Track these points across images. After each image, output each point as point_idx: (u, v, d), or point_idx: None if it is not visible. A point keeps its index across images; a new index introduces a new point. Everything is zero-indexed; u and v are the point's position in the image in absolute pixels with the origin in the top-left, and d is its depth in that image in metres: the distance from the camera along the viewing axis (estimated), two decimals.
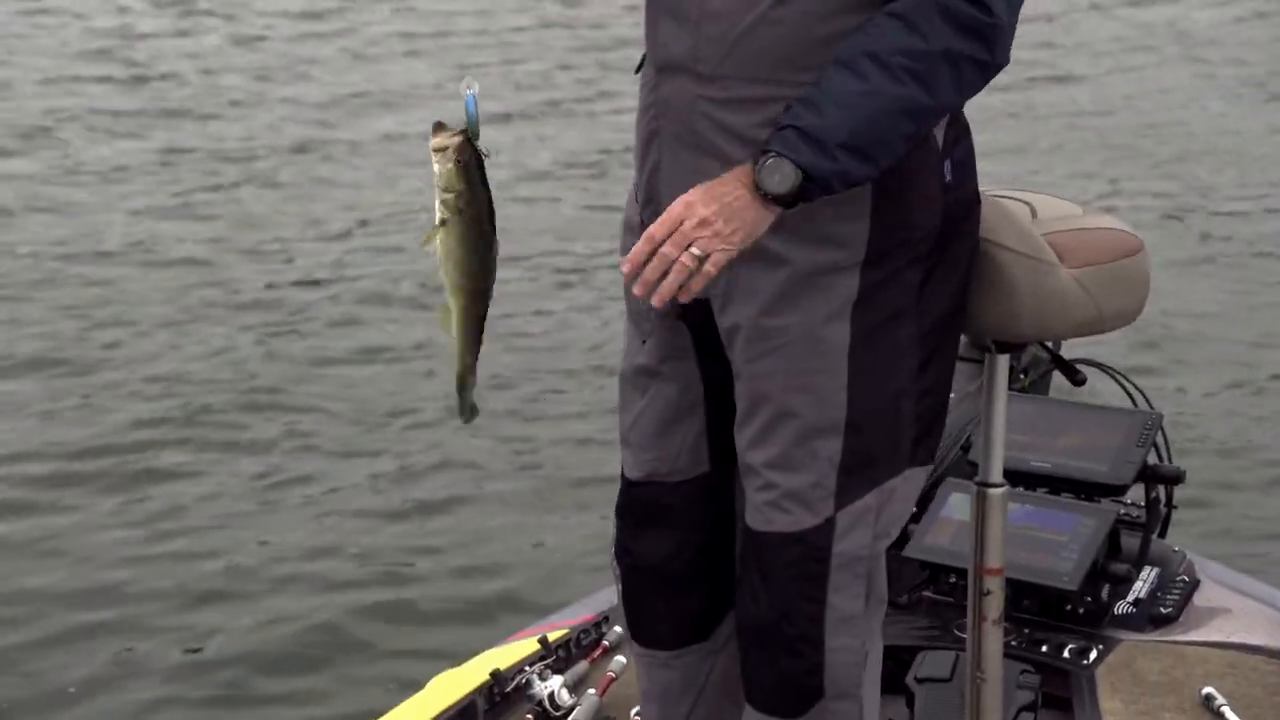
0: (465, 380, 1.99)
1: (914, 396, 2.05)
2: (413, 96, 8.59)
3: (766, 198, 1.83)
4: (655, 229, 1.83)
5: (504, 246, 1.96)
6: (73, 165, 7.32)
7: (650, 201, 2.06)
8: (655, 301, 1.85)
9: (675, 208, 1.84)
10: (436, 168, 1.85)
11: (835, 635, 2.08)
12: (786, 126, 1.83)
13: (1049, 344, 2.90)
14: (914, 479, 2.13)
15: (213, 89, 8.57)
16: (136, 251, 6.28)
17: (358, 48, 9.54)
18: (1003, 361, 2.34)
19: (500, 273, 1.93)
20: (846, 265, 1.97)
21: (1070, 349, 2.95)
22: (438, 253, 1.90)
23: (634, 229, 2.10)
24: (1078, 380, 2.46)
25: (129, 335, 5.50)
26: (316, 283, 6.02)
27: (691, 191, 1.84)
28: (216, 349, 5.38)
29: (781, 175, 1.81)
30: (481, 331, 1.96)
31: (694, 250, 1.82)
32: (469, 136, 1.85)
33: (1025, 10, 1.92)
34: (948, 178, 2.00)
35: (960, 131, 2.04)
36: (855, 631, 2.10)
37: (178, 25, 9.83)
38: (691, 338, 2.16)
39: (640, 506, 2.26)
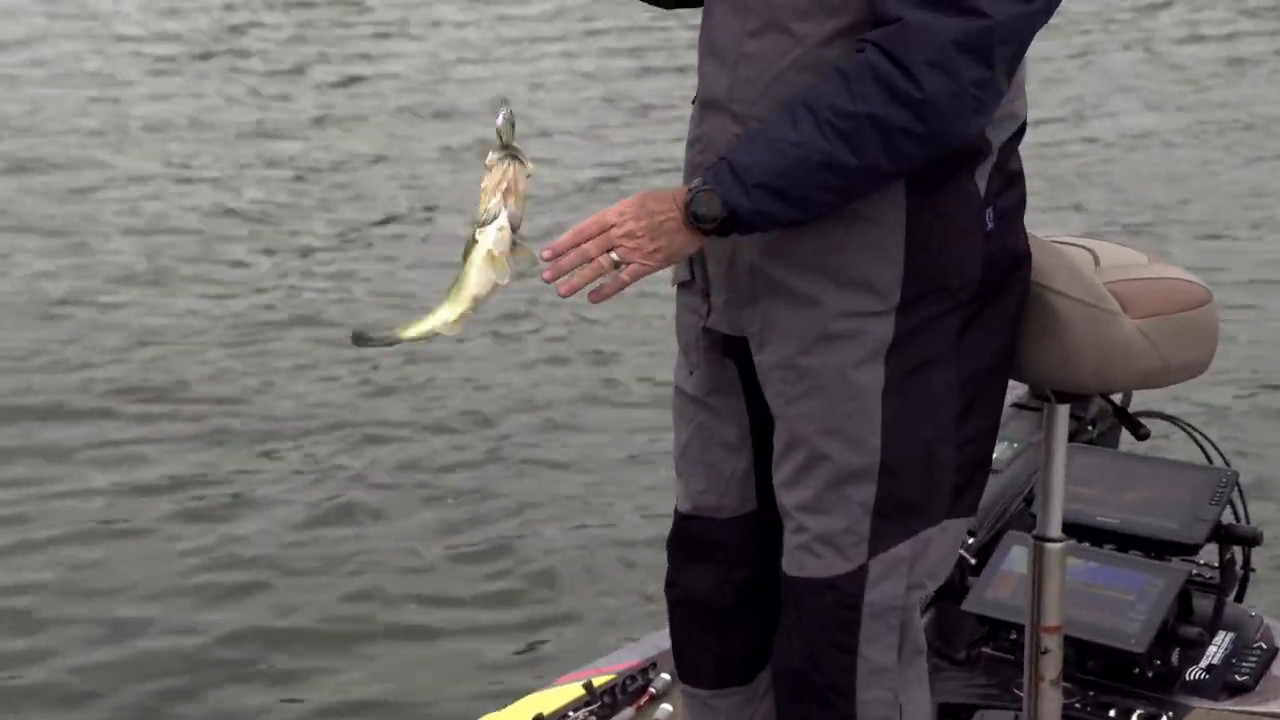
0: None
1: (953, 445, 2.02)
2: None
3: (694, 224, 1.85)
4: (585, 225, 1.87)
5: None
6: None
7: None
8: (561, 290, 1.87)
9: (609, 212, 1.88)
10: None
11: (867, 687, 2.04)
12: (723, 159, 1.88)
13: (1113, 396, 2.81)
14: (953, 530, 2.08)
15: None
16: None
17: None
18: (1062, 412, 2.28)
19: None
20: (880, 310, 1.96)
21: (1140, 400, 2.86)
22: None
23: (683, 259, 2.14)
24: (1141, 434, 2.39)
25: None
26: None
27: (630, 200, 1.88)
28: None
29: (708, 206, 1.85)
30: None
31: (613, 255, 1.86)
32: (511, 149, 1.86)
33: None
34: (990, 225, 1.98)
35: (1007, 179, 2.01)
36: (888, 683, 2.06)
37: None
38: (739, 374, 2.15)
39: (689, 539, 2.27)
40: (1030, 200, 2.09)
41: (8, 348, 5.54)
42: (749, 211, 1.86)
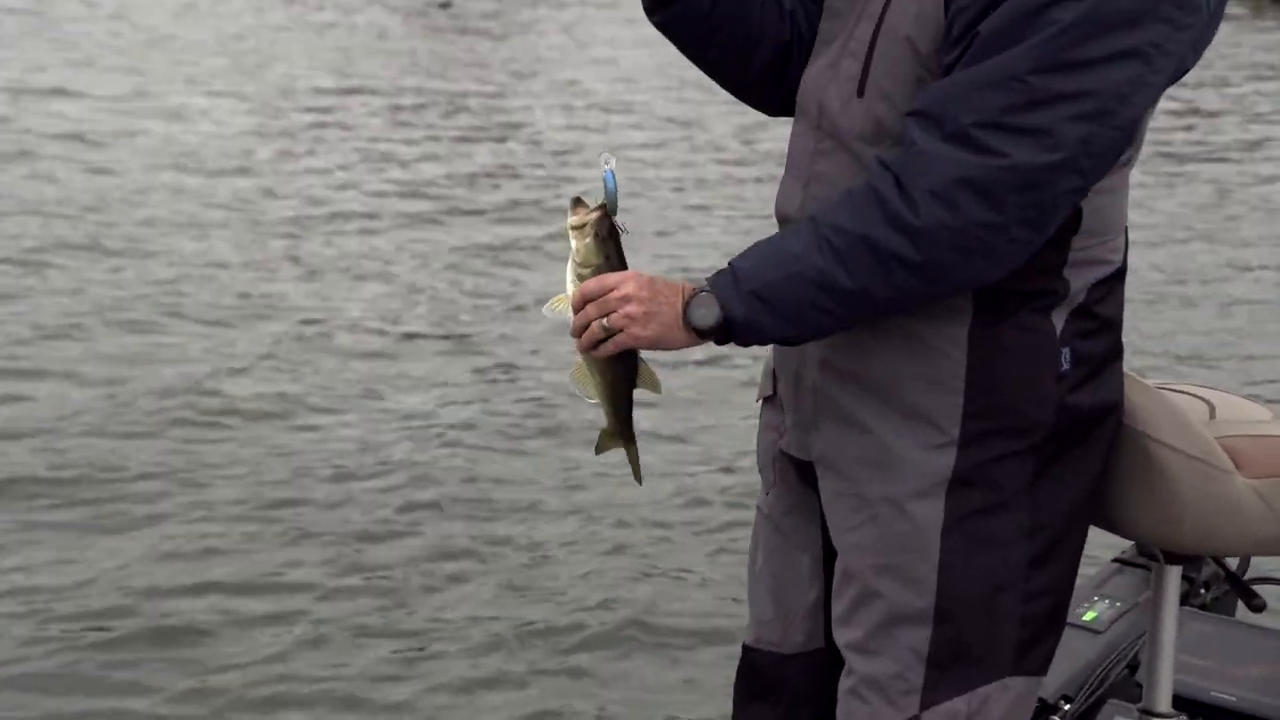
0: (614, 442, 1.99)
1: (1020, 594, 1.90)
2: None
3: (688, 325, 1.81)
4: (592, 284, 1.85)
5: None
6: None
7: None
8: (577, 347, 1.88)
9: (616, 276, 1.85)
10: (574, 243, 1.87)
11: None
12: (730, 263, 1.85)
13: (1228, 559, 2.62)
14: (1017, 690, 1.93)
15: None
16: None
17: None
18: (1172, 574, 2.14)
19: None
20: (939, 442, 1.88)
21: (1258, 566, 2.66)
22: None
23: (769, 373, 2.11)
24: (1255, 605, 2.22)
25: None
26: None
27: (642, 275, 1.85)
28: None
29: (706, 310, 1.82)
30: (628, 400, 1.95)
31: (604, 321, 1.83)
32: (607, 211, 1.86)
33: None
34: (1065, 367, 1.88)
35: (1093, 324, 1.91)
36: None
37: None
38: (817, 499, 2.05)
39: (752, 674, 2.17)
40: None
41: None
42: (742, 320, 1.81)
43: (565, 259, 1.90)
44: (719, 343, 1.84)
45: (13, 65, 11.13)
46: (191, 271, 6.94)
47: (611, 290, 1.83)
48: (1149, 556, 2.14)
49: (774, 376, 2.08)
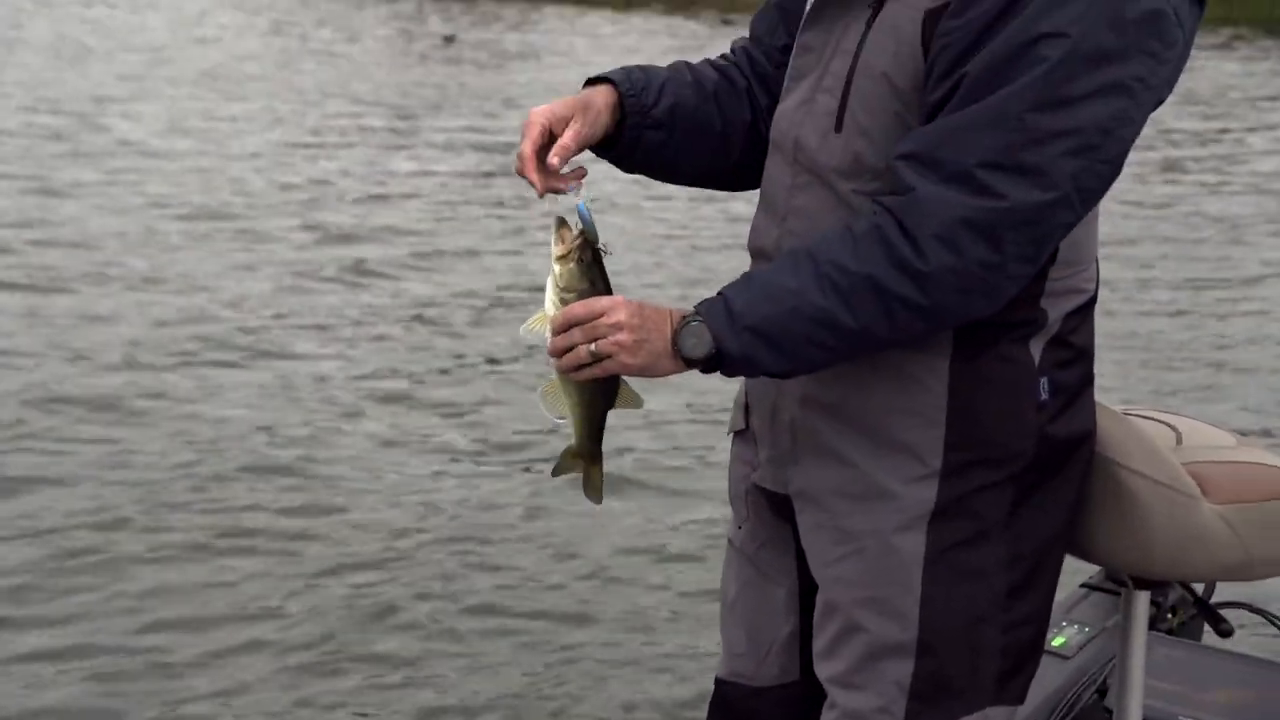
0: (577, 464, 1.95)
1: (1000, 625, 1.90)
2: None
3: (678, 354, 1.79)
4: (578, 308, 1.82)
5: None
6: None
7: (747, 382, 2.05)
8: (555, 369, 1.85)
9: (603, 300, 1.83)
10: (557, 267, 1.86)
11: None
12: (721, 294, 1.82)
13: (1196, 584, 2.62)
14: (997, 719, 1.93)
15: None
16: None
17: None
18: (1141, 599, 2.14)
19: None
20: (921, 474, 1.87)
21: (1224, 590, 2.66)
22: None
23: (740, 406, 2.09)
24: (1223, 630, 2.22)
25: None
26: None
27: (630, 302, 1.82)
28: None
29: (698, 340, 1.80)
30: (603, 420, 1.92)
31: (591, 347, 1.80)
32: (588, 237, 1.85)
33: None
34: (1044, 397, 1.89)
35: (1069, 353, 1.92)
36: None
37: None
38: (792, 532, 2.04)
39: (725, 707, 2.16)
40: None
41: None
42: (736, 354, 1.79)
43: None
44: (705, 372, 1.82)
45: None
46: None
47: (600, 316, 1.80)
48: (1118, 582, 2.14)
49: (746, 410, 2.07)
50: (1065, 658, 2.67)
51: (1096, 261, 1.95)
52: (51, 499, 4.87)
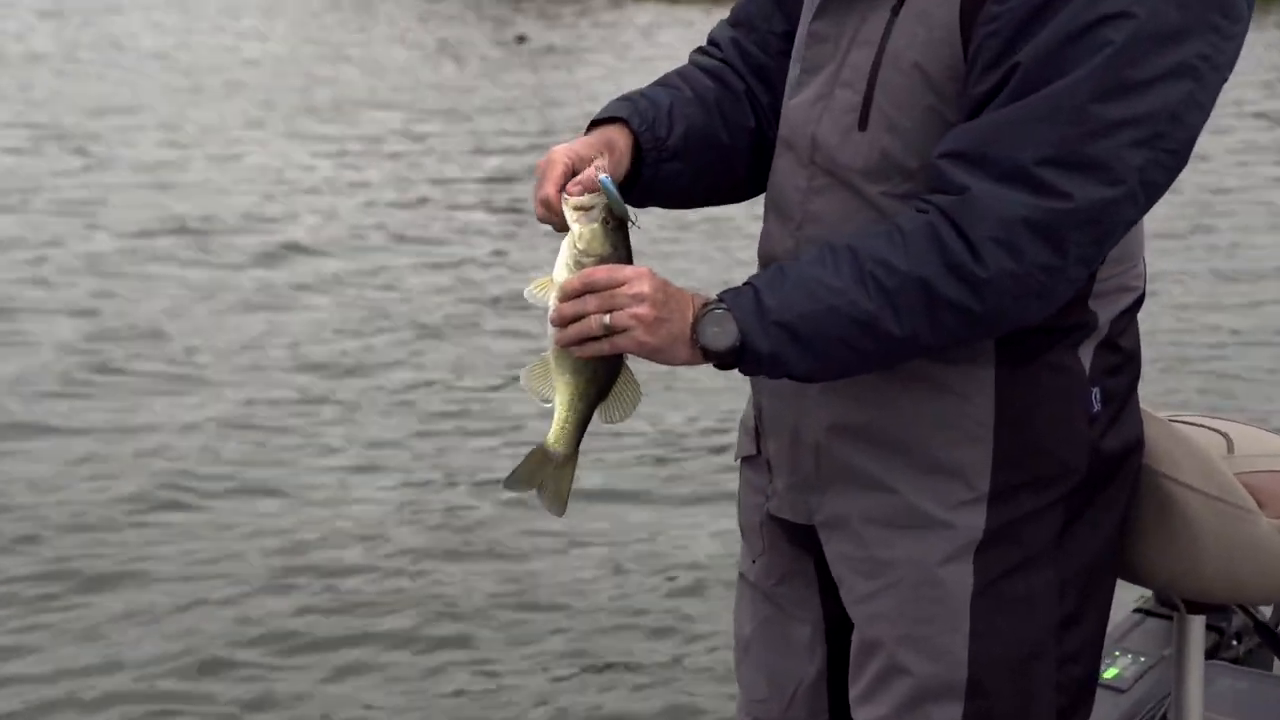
0: (546, 466, 1.74)
1: (1055, 659, 1.79)
2: None
3: (698, 344, 1.66)
4: (596, 273, 1.66)
5: None
6: None
7: (758, 390, 1.92)
8: (557, 341, 1.68)
9: (630, 270, 1.66)
10: (577, 226, 1.68)
11: None
12: (750, 284, 1.69)
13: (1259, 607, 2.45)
14: None
15: None
16: None
17: None
18: (1195, 624, 2.02)
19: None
20: (968, 498, 1.75)
21: None
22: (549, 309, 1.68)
23: (749, 430, 1.96)
24: None
25: None
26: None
27: (655, 276, 1.67)
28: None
29: (722, 329, 1.66)
30: (592, 410, 1.73)
31: (606, 319, 1.65)
32: (613, 208, 1.69)
33: None
34: (1096, 408, 1.77)
35: (1119, 358, 1.80)
36: None
37: None
38: (814, 564, 1.92)
39: None
40: (1150, 373, 1.83)
41: None
42: (761, 351, 1.66)
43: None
44: (720, 366, 1.68)
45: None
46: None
47: (622, 285, 1.65)
48: (1169, 606, 2.01)
49: (756, 433, 1.92)
50: (1120, 690, 2.51)
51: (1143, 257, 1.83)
52: None
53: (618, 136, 1.81)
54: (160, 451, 5.45)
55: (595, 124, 1.84)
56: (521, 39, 17.07)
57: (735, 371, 1.69)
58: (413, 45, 16.37)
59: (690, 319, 1.66)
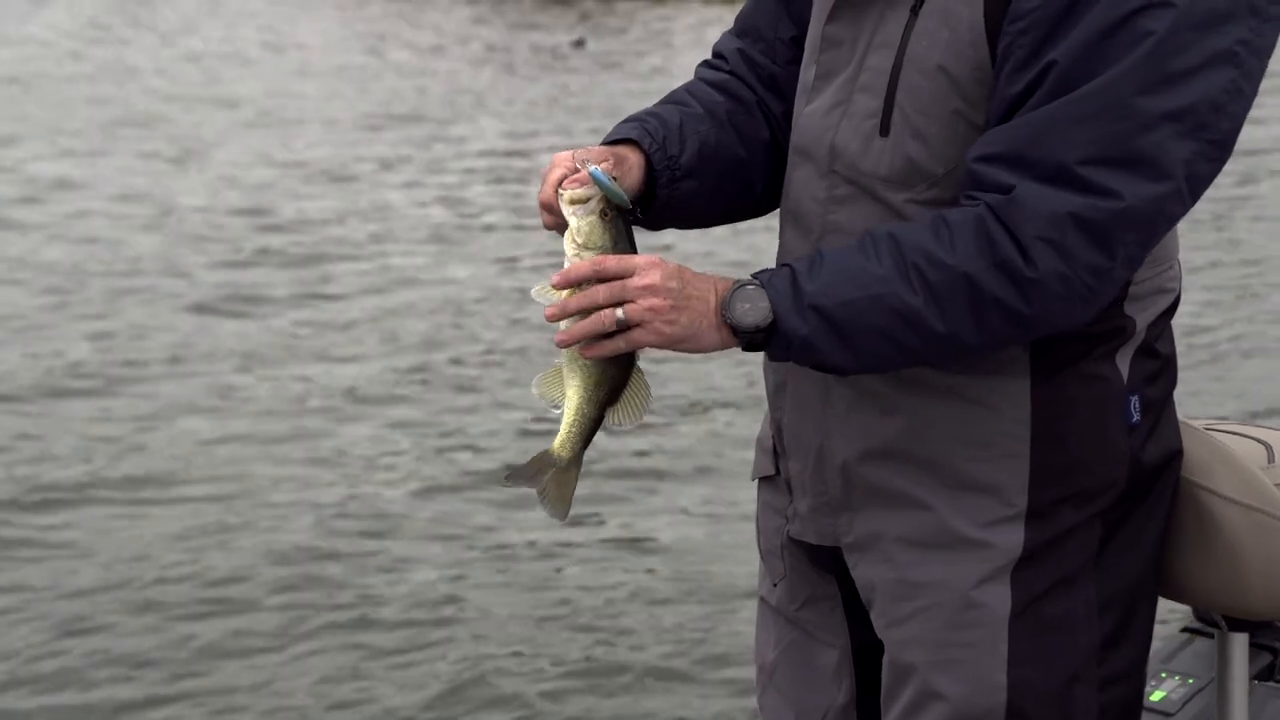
0: (549, 470, 1.68)
1: (1097, 683, 1.72)
2: None
3: (726, 322, 1.58)
4: (607, 261, 1.59)
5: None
6: None
7: (778, 407, 1.86)
8: (557, 339, 1.61)
9: (642, 259, 1.60)
10: (574, 220, 1.62)
11: None
12: (788, 265, 1.62)
13: None
14: None
15: None
16: None
17: None
18: (1238, 643, 1.94)
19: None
20: (1003, 517, 1.69)
21: None
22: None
23: (766, 450, 1.91)
24: None
25: None
26: None
27: (666, 264, 1.60)
28: None
29: (753, 306, 1.59)
30: (602, 414, 1.66)
31: (619, 313, 1.57)
32: (610, 199, 1.63)
33: None
34: (1135, 418, 1.71)
35: (1156, 364, 1.74)
36: None
37: None
38: (837, 587, 1.86)
39: None
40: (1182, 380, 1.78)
41: None
42: (794, 334, 1.59)
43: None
44: (749, 348, 1.61)
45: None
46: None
47: (632, 275, 1.58)
48: (1210, 623, 1.93)
49: (775, 453, 1.86)
50: (1167, 715, 2.41)
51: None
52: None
53: (629, 153, 1.76)
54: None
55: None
56: (579, 43, 17.01)
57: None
58: (479, 58, 16.33)
59: (714, 301, 1.60)
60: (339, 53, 16.27)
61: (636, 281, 1.57)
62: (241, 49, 16.21)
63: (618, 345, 1.59)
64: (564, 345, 1.61)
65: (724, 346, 1.61)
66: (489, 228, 9.10)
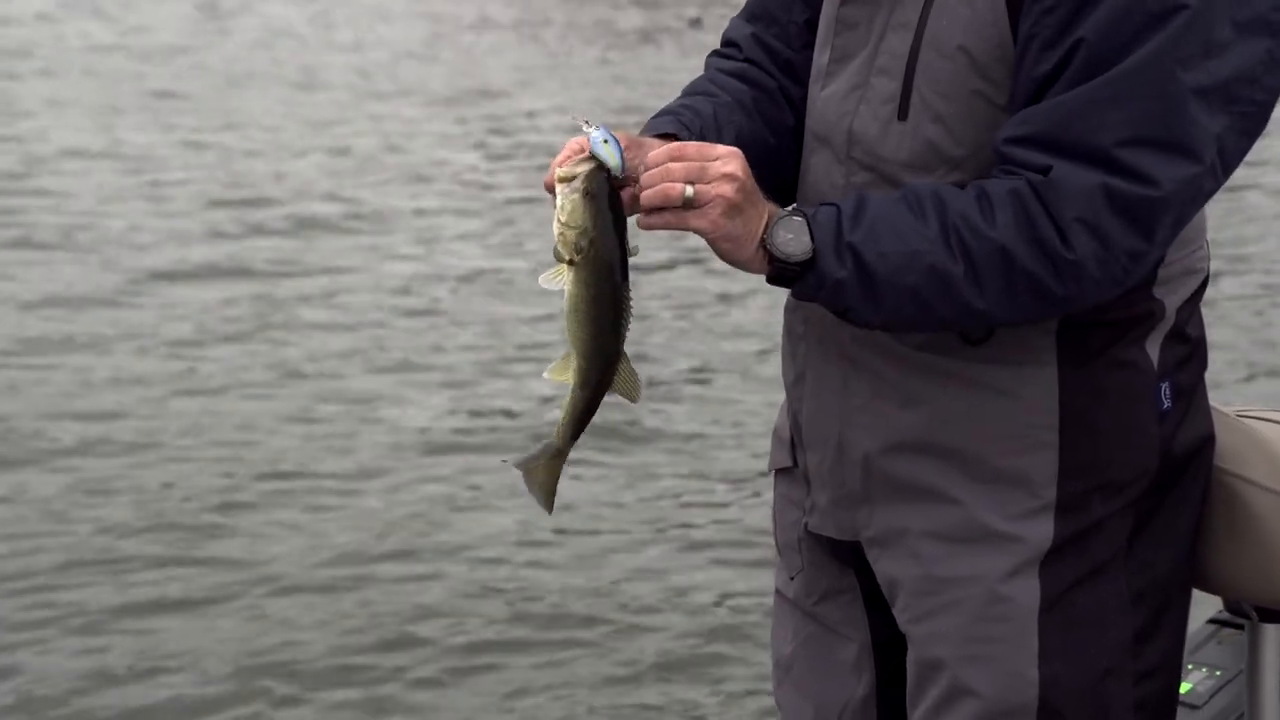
0: (547, 454, 1.70)
1: (1132, 677, 1.69)
2: None
3: (764, 246, 1.57)
4: (686, 146, 1.57)
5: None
6: None
7: (796, 398, 1.84)
8: (640, 224, 1.59)
9: (723, 149, 1.57)
10: (560, 198, 1.60)
11: None
12: (834, 205, 1.59)
13: None
14: None
15: None
16: None
17: None
18: (1270, 634, 1.92)
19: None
20: (1034, 507, 1.66)
21: None
22: (564, 299, 1.62)
23: (784, 441, 1.88)
24: None
25: None
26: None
27: (746, 163, 1.57)
28: None
29: (795, 238, 1.56)
30: (597, 402, 1.66)
31: (688, 190, 1.54)
32: (602, 165, 1.59)
33: None
34: (1165, 404, 1.67)
35: (1187, 349, 1.70)
36: None
37: None
38: (856, 580, 1.83)
39: None
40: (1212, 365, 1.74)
41: None
42: (828, 272, 1.56)
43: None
44: (779, 281, 1.58)
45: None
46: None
47: (715, 160, 1.55)
48: (1240, 614, 1.93)
49: (792, 445, 1.83)
50: (1194, 707, 2.38)
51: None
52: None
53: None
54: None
55: None
56: (695, 22, 16.87)
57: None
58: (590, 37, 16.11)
59: (763, 222, 1.57)
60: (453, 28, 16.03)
61: (719, 167, 1.54)
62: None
63: (668, 220, 1.56)
64: (644, 207, 1.56)
65: (754, 268, 1.58)
66: None
